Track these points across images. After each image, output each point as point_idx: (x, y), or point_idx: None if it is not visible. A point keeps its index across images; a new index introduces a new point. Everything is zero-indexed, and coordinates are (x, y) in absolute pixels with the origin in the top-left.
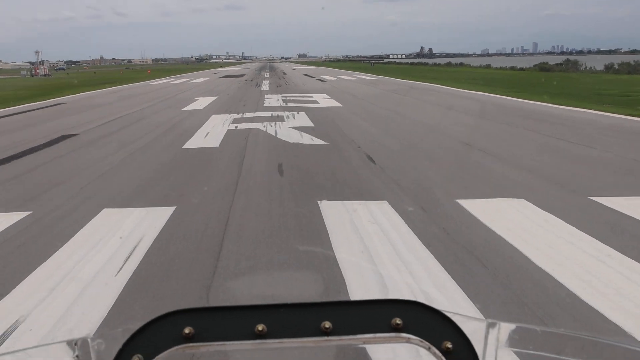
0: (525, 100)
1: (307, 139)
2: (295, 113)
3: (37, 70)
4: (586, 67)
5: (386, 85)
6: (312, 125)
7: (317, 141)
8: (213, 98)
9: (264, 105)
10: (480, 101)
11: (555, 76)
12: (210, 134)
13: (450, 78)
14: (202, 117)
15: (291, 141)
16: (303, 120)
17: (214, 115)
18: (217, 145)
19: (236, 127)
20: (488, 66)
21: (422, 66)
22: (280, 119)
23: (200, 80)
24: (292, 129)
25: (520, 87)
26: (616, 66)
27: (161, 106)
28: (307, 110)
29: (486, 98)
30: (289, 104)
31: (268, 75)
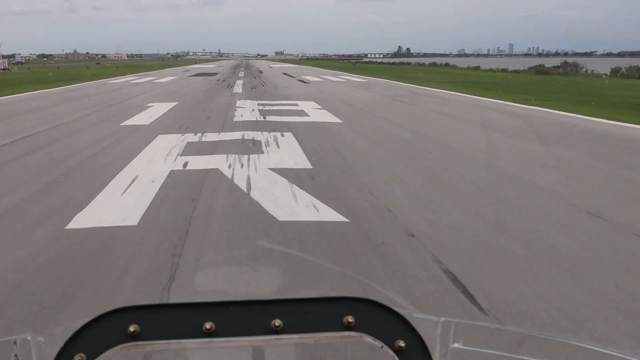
0: (570, 114)
1: (305, 207)
2: (277, 135)
3: None
4: (587, 70)
5: (382, 90)
6: (308, 163)
7: (327, 214)
8: (171, 105)
9: (234, 119)
10: (516, 115)
11: (560, 80)
12: (139, 181)
13: (445, 80)
14: (141, 139)
15: (278, 215)
16: (291, 150)
17: (159, 137)
18: (135, 223)
19: (186, 163)
20: (477, 68)
21: (405, 66)
22: (257, 146)
23: (167, 79)
24: (275, 174)
25: (537, 93)
26: (624, 70)
27: (98, 117)
28: (294, 129)
29: (516, 110)
30: (268, 117)
31: (243, 74)
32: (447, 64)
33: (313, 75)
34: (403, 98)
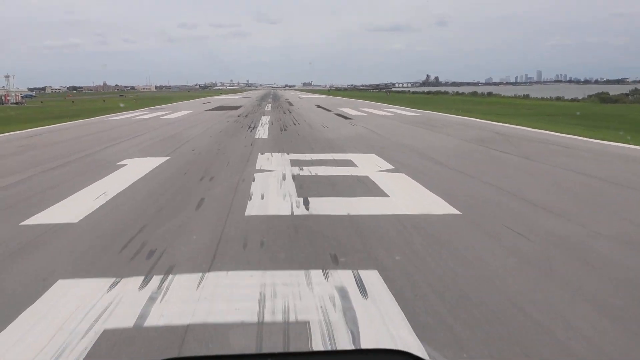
0: None
1: None
2: (349, 284)
3: (8, 98)
4: None
5: (452, 130)
6: None
7: None
8: (156, 164)
9: (248, 207)
10: None
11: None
12: None
13: (515, 113)
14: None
15: None
16: None
17: (59, 284)
18: None
19: None
20: (527, 96)
21: (443, 95)
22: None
23: (179, 114)
24: None
25: None
26: None
27: (5, 196)
28: (375, 249)
29: None
30: (313, 198)
31: (270, 108)
32: (490, 93)
33: (350, 107)
34: (498, 144)
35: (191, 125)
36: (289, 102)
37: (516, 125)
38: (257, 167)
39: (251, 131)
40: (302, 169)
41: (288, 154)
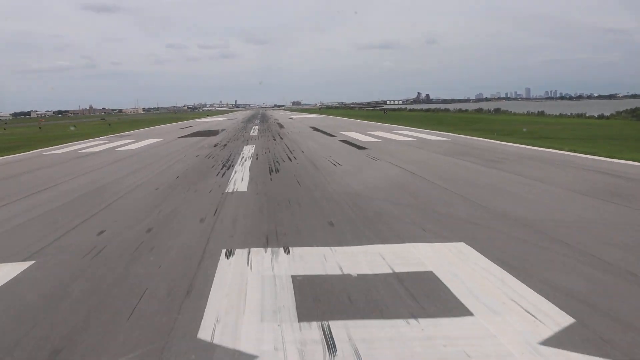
0: None
1: None
2: None
3: None
4: None
5: (525, 167)
6: None
7: None
8: None
9: None
10: None
11: None
12: None
13: (568, 137)
14: None
15: None
16: None
17: None
18: None
19: None
20: (541, 113)
21: (444, 113)
22: None
23: (143, 144)
24: None
25: None
26: None
27: None
28: None
29: None
30: None
31: (256, 132)
32: (498, 110)
33: (355, 130)
34: (595, 193)
35: (145, 163)
36: (279, 124)
37: (621, 160)
38: (206, 324)
39: (224, 174)
40: (328, 337)
41: (286, 250)
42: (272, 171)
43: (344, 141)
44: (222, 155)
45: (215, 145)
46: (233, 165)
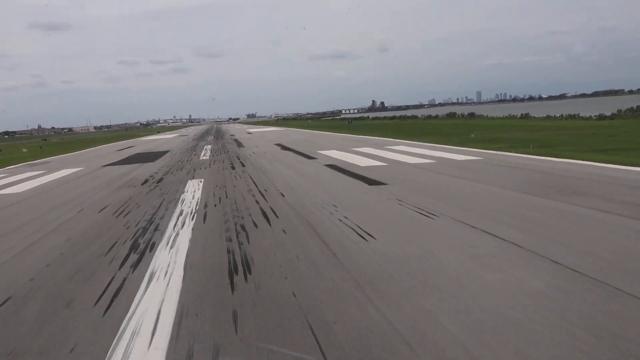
0: None
1: None
2: None
3: None
4: None
5: (597, 200)
6: None
7: None
8: None
9: None
10: None
11: None
12: None
13: (583, 145)
14: None
15: None
16: None
17: None
18: None
19: None
20: (526, 116)
21: (414, 120)
22: None
23: (43, 181)
24: None
25: None
26: None
27: None
28: None
29: None
30: None
31: (209, 154)
32: (472, 114)
33: (333, 146)
34: None
35: (10, 229)
36: (236, 141)
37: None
38: None
39: (123, 284)
40: None
41: None
42: (236, 267)
43: (333, 167)
44: (146, 208)
45: (145, 182)
46: (154, 246)
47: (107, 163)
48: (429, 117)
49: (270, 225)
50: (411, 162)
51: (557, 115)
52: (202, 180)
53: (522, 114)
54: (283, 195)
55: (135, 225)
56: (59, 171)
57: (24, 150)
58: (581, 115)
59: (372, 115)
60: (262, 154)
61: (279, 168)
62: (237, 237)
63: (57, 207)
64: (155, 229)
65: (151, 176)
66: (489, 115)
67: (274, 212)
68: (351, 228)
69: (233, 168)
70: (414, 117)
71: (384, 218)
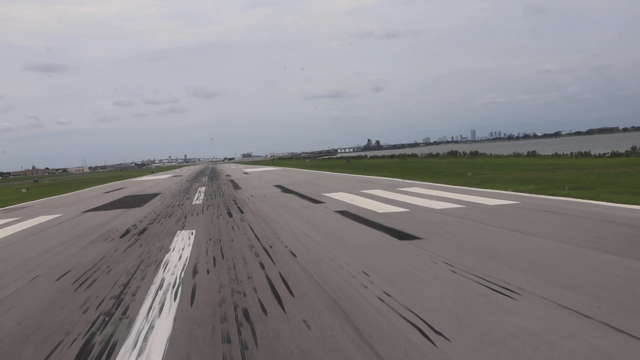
0: None
1: None
2: None
3: None
4: None
5: None
6: None
7: None
8: None
9: None
10: None
11: None
12: None
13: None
14: None
15: None
16: None
17: None
18: None
19: None
20: (533, 153)
21: (413, 159)
22: None
23: (19, 229)
24: None
25: None
26: None
27: None
28: None
29: None
30: None
31: (203, 197)
32: (476, 153)
33: (340, 188)
34: None
35: None
36: (232, 182)
37: None
38: None
39: None
40: None
41: None
42: None
43: (346, 214)
44: (117, 275)
45: (125, 234)
46: (112, 352)
47: (90, 208)
48: (430, 155)
49: (284, 310)
50: (436, 207)
51: (567, 154)
52: (194, 231)
53: (528, 152)
54: (294, 255)
55: (96, 306)
56: (34, 218)
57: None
58: (592, 153)
59: (369, 153)
60: (261, 198)
61: (283, 215)
62: (239, 333)
63: (6, 272)
64: (123, 315)
65: (134, 225)
66: (493, 153)
67: (287, 286)
68: (403, 318)
69: (230, 215)
70: (414, 155)
71: (444, 298)
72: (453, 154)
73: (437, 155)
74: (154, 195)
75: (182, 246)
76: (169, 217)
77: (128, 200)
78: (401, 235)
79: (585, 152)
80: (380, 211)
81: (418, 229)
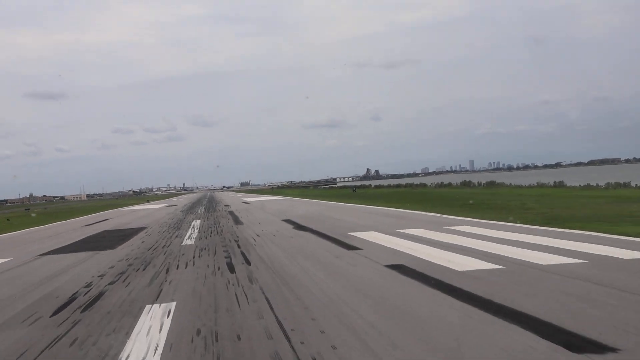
0: None
1: None
2: None
3: None
4: None
5: None
6: None
7: None
8: None
9: None
10: None
11: None
12: None
13: None
14: None
15: None
16: None
17: None
18: None
19: None
20: (561, 183)
21: (422, 189)
22: None
23: None
24: None
25: None
26: None
27: None
28: None
29: None
30: None
31: (196, 234)
32: (493, 182)
33: (365, 224)
34: None
35: None
36: (232, 215)
37: None
38: None
39: None
40: None
41: None
42: None
43: (405, 270)
44: None
45: (62, 308)
46: None
47: (51, 249)
48: (441, 185)
49: None
50: (542, 262)
51: (601, 185)
52: (173, 306)
53: (555, 182)
54: None
55: None
56: None
57: None
58: (632, 184)
59: (371, 183)
60: (270, 238)
61: (311, 272)
62: None
63: None
64: None
65: (88, 285)
66: (512, 183)
67: None
68: None
69: (231, 269)
70: (423, 185)
71: None
72: (467, 183)
73: (450, 185)
74: (139, 230)
75: (145, 351)
76: (144, 269)
77: (105, 236)
78: (568, 339)
79: (624, 183)
80: (458, 269)
81: (547, 310)
